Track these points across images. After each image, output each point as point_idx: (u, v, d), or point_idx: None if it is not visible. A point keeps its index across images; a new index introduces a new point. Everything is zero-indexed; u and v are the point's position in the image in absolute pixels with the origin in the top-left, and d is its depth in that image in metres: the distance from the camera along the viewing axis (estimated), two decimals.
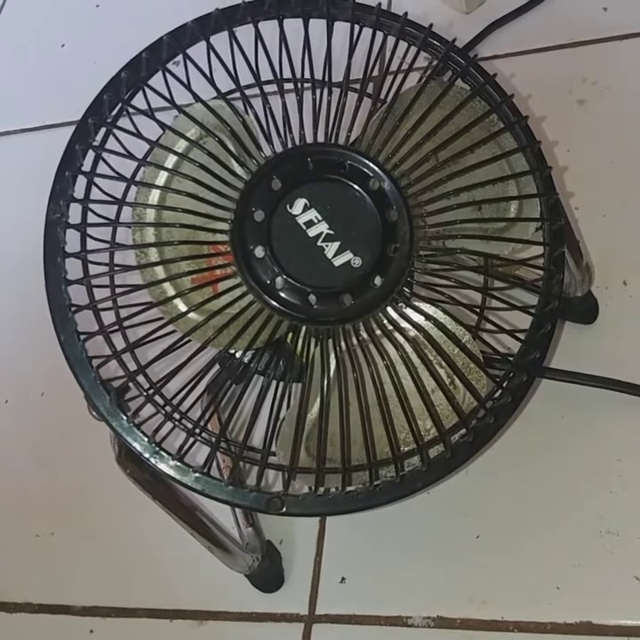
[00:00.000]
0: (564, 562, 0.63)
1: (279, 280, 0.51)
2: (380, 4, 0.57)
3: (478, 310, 0.59)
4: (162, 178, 0.53)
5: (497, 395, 0.54)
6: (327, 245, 0.52)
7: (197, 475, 0.53)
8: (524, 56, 0.87)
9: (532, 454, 0.67)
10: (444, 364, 0.53)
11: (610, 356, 0.69)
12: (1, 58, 1.15)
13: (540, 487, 0.66)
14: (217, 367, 0.56)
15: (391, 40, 0.57)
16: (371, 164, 0.52)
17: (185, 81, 0.55)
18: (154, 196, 0.53)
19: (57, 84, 1.07)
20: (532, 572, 0.63)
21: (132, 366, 0.54)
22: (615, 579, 0.61)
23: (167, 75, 0.56)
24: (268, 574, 0.68)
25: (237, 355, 0.56)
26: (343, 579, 0.67)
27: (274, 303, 0.51)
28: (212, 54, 0.56)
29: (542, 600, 0.62)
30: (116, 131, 0.55)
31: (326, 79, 0.55)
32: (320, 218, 0.52)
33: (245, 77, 0.57)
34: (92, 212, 0.55)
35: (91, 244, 0.55)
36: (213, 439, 0.54)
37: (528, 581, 0.63)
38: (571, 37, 0.86)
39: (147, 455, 0.53)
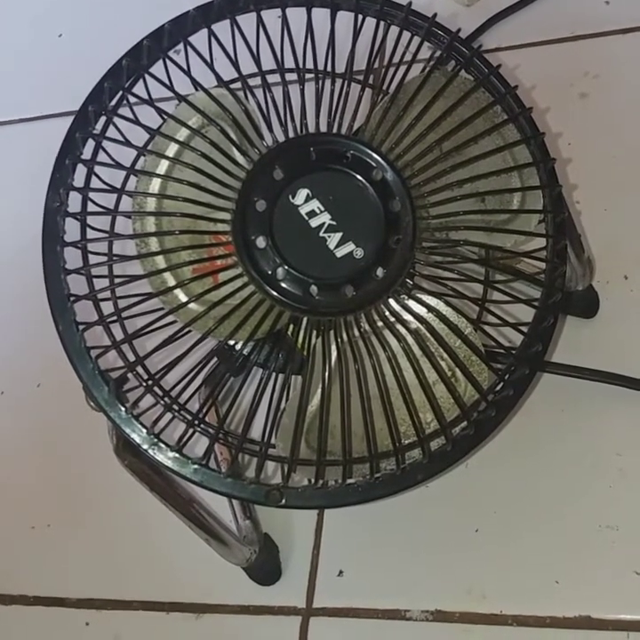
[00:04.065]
0: (563, 556, 0.63)
1: (280, 271, 0.51)
2: None
3: (480, 302, 0.59)
4: (163, 166, 0.53)
5: (498, 388, 0.54)
6: (329, 236, 0.51)
7: (196, 466, 0.53)
8: (526, 49, 0.87)
9: (532, 448, 0.67)
10: (445, 356, 0.53)
11: (610, 351, 0.69)
12: None
13: (540, 481, 0.66)
14: (216, 358, 0.56)
15: (394, 30, 0.57)
16: (374, 155, 0.52)
17: (184, 70, 0.55)
18: (155, 185, 0.52)
19: (55, 74, 1.07)
20: (532, 566, 0.63)
21: (132, 357, 0.53)
22: (614, 573, 0.61)
23: (168, 63, 0.55)
24: (266, 567, 0.68)
25: (237, 347, 0.56)
26: (341, 572, 0.67)
27: (275, 294, 0.51)
28: (213, 42, 0.55)
29: (541, 594, 0.62)
30: (116, 119, 0.55)
31: (329, 69, 0.54)
32: (322, 208, 0.51)
33: (247, 66, 0.56)
34: (92, 201, 0.55)
35: (90, 234, 0.55)
36: (212, 431, 0.54)
37: (527, 575, 0.63)
38: (572, 31, 0.86)
39: (145, 446, 0.53)
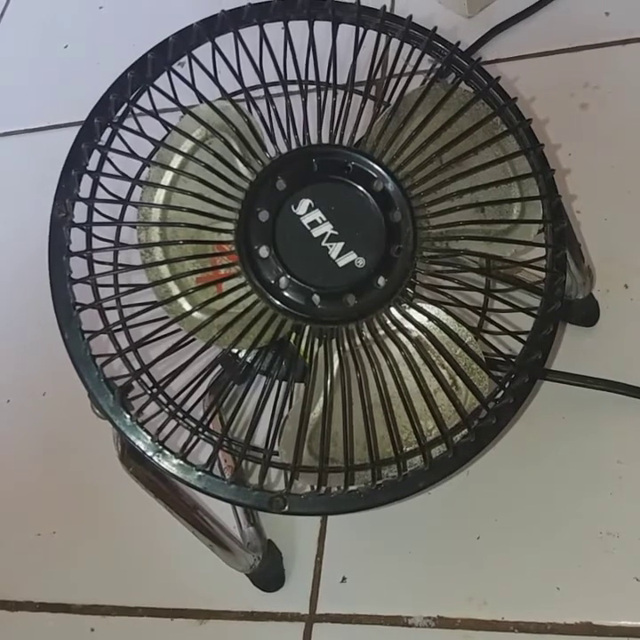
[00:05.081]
0: (564, 562, 0.63)
1: (283, 280, 0.52)
2: (384, 6, 0.57)
3: (481, 311, 0.59)
4: (167, 178, 0.53)
5: (499, 396, 0.54)
6: (331, 246, 0.52)
7: (200, 473, 0.53)
8: (526, 60, 0.87)
9: (533, 456, 0.67)
10: (446, 364, 0.54)
11: (610, 359, 0.69)
12: (4, 58, 1.15)
13: (541, 488, 0.66)
14: (220, 366, 0.56)
15: (395, 43, 0.58)
16: (375, 165, 0.53)
17: (188, 83, 0.56)
18: (159, 196, 0.53)
19: (60, 85, 1.08)
20: (533, 573, 0.63)
21: (136, 365, 0.54)
22: (615, 580, 0.62)
23: (172, 76, 0.56)
24: (269, 573, 0.68)
25: (240, 355, 0.57)
26: (344, 578, 0.68)
27: (278, 303, 0.52)
28: (217, 55, 0.56)
29: (543, 600, 0.62)
30: (121, 131, 0.55)
31: (331, 81, 0.55)
32: (324, 218, 0.52)
33: (250, 79, 0.57)
34: (97, 211, 0.56)
35: (95, 244, 0.56)
36: (216, 438, 0.54)
37: (528, 582, 0.63)
38: (572, 42, 0.87)
39: (150, 453, 0.53)
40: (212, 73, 0.56)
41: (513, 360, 0.54)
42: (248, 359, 0.56)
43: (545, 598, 0.62)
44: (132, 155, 0.54)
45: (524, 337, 0.55)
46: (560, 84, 0.84)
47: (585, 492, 0.65)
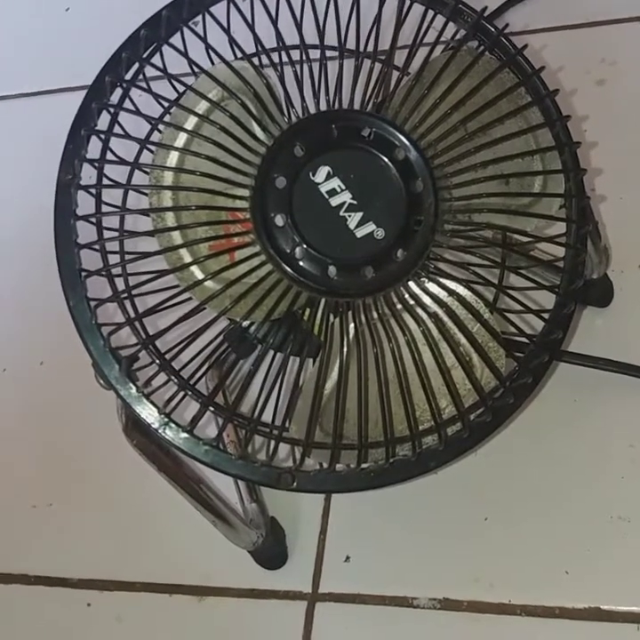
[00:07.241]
0: (573, 546, 0.62)
1: (299, 250, 0.50)
2: None
3: (498, 287, 0.58)
4: (181, 140, 0.51)
5: (516, 374, 0.53)
6: (350, 216, 0.50)
7: (207, 447, 0.52)
8: (542, 34, 0.86)
9: (544, 437, 0.66)
10: (462, 341, 0.52)
11: (624, 340, 0.68)
12: (4, 21, 1.12)
13: (551, 470, 0.65)
14: (231, 339, 0.55)
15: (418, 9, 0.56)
16: (397, 133, 0.51)
17: (205, 41, 0.54)
18: (172, 159, 0.51)
19: (61, 49, 1.05)
20: (541, 556, 0.62)
21: (144, 336, 0.52)
22: (625, 565, 0.60)
23: (186, 38, 0.54)
24: (272, 551, 0.67)
25: (251, 328, 0.55)
26: (348, 557, 0.66)
27: (292, 273, 0.50)
28: (234, 14, 0.54)
29: (551, 584, 0.61)
30: (131, 93, 0.53)
31: (353, 46, 0.53)
32: (343, 187, 0.50)
33: (266, 41, 0.55)
34: (105, 176, 0.54)
35: (102, 209, 0.54)
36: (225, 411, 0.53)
37: (537, 565, 0.62)
38: (589, 17, 0.85)
39: (156, 426, 0.52)
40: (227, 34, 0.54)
41: (533, 339, 0.53)
42: (259, 334, 0.54)
43: (553, 582, 0.61)
44: (145, 116, 0.52)
45: (545, 315, 0.53)
46: (575, 59, 0.82)
47: (596, 476, 0.64)
